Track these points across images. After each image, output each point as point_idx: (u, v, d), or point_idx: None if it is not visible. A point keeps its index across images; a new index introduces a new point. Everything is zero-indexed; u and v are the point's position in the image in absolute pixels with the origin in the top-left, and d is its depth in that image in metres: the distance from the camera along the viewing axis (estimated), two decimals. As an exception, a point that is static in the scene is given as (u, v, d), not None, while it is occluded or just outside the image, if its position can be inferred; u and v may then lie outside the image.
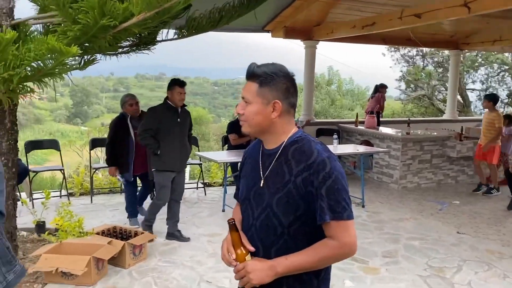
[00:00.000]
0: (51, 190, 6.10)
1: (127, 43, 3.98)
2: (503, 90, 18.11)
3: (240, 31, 8.06)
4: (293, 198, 1.52)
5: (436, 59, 17.68)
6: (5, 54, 2.75)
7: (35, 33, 3.48)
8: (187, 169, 7.92)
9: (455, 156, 7.53)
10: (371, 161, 7.94)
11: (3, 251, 2.03)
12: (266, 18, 7.48)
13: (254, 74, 1.57)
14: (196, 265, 4.19)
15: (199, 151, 7.06)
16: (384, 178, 7.66)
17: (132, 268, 4.05)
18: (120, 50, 3.97)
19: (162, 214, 4.88)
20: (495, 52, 15.25)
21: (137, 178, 5.44)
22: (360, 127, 8.28)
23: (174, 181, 4.71)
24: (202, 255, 4.43)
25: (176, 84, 4.55)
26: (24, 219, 5.00)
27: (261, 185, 1.61)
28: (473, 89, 18.45)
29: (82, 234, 4.33)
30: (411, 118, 10.98)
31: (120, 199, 6.21)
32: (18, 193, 5.17)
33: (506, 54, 16.13)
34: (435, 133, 7.89)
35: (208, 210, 5.99)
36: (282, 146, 1.59)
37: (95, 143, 6.77)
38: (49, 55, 2.83)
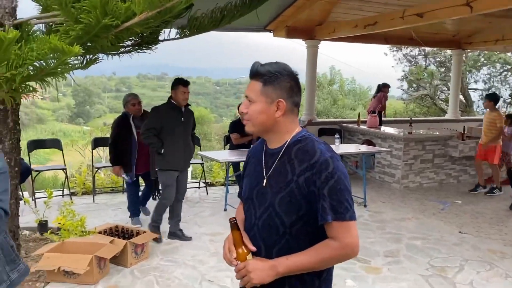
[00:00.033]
0: (53, 189, 6.13)
1: (129, 42, 3.99)
2: (506, 89, 18.08)
3: (242, 31, 8.07)
4: (295, 197, 1.51)
5: (438, 59, 17.66)
6: (7, 53, 2.76)
7: (38, 32, 3.49)
8: (189, 168, 7.93)
9: (457, 156, 7.51)
10: (373, 160, 7.94)
11: (7, 250, 2.05)
12: (268, 17, 7.48)
13: (258, 73, 1.57)
14: (198, 264, 4.19)
15: (201, 150, 7.07)
16: (386, 177, 7.66)
17: (134, 267, 4.06)
18: (122, 49, 3.99)
19: (165, 213, 4.88)
20: (498, 52, 15.21)
21: (139, 177, 5.45)
22: (362, 126, 8.27)
23: (177, 180, 4.72)
24: (204, 254, 4.43)
25: (180, 83, 4.55)
26: (27, 218, 5.01)
27: (264, 184, 1.60)
28: (476, 89, 18.42)
29: (84, 233, 4.34)
30: (413, 118, 10.97)
31: (122, 199, 6.22)
32: (20, 192, 5.19)
33: (509, 54, 16.08)
34: (437, 133, 7.88)
35: (210, 210, 6.00)
36: (285, 145, 1.59)
37: (97, 143, 6.78)
38: (51, 55, 2.83)
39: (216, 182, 7.52)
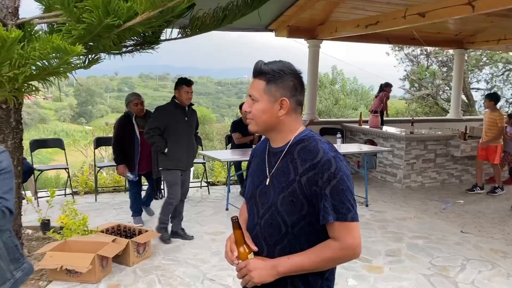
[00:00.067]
0: (55, 188, 6.14)
1: (131, 42, 4.00)
2: (508, 89, 18.03)
3: (243, 31, 8.07)
4: (297, 197, 1.50)
5: (440, 58, 17.62)
6: (10, 53, 2.77)
7: (40, 32, 3.51)
8: (191, 168, 7.94)
9: (459, 156, 7.51)
10: (374, 160, 7.93)
11: (11, 249, 2.06)
12: (270, 17, 7.49)
13: (261, 71, 1.56)
14: (199, 263, 4.20)
15: (202, 150, 7.09)
16: (388, 177, 7.65)
17: (136, 266, 4.07)
18: (124, 49, 4.00)
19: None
20: (500, 51, 15.17)
21: (141, 177, 5.46)
22: (364, 126, 8.27)
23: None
24: (206, 253, 4.44)
25: (184, 83, 4.58)
26: (29, 217, 5.03)
27: (267, 183, 1.60)
28: (478, 89, 18.37)
29: (86, 232, 4.36)
30: (415, 118, 10.95)
31: (124, 198, 6.23)
32: (23, 192, 5.21)
33: (511, 53, 16.04)
34: (439, 132, 7.87)
35: (211, 209, 6.01)
36: (289, 144, 1.58)
37: (99, 142, 6.80)
38: (54, 54, 2.85)
39: (218, 182, 7.53)
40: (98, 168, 6.57)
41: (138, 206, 5.39)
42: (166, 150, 4.54)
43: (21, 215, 4.10)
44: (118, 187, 6.94)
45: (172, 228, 4.84)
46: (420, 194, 6.98)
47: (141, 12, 3.05)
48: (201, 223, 5.37)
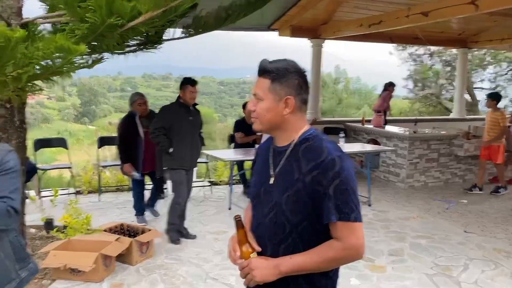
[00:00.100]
0: (59, 188, 6.16)
1: (135, 42, 4.01)
2: (512, 88, 17.95)
3: (246, 30, 8.08)
4: (301, 196, 1.49)
5: (444, 58, 17.56)
6: (14, 52, 2.78)
7: (44, 32, 3.52)
8: (195, 167, 7.95)
9: (462, 155, 7.49)
10: (377, 160, 7.92)
11: (18, 248, 2.06)
12: (272, 16, 7.49)
13: (266, 70, 1.55)
14: (202, 262, 4.21)
15: (204, 149, 7.09)
16: (391, 177, 7.64)
17: (140, 265, 4.08)
18: (127, 49, 4.00)
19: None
20: (504, 51, 15.11)
21: (144, 176, 5.47)
22: (367, 125, 8.26)
23: None
24: (208, 252, 4.45)
25: (188, 83, 4.60)
26: (33, 216, 5.05)
27: (271, 182, 1.59)
28: (482, 88, 18.30)
29: (90, 231, 4.37)
30: (418, 117, 10.92)
31: (127, 197, 6.25)
32: (26, 191, 5.23)
33: (515, 53, 15.97)
34: (442, 132, 7.85)
35: (214, 208, 6.01)
36: (293, 143, 1.57)
37: (103, 141, 6.82)
38: (57, 54, 2.85)
39: (220, 181, 7.53)
40: (102, 168, 6.59)
41: (142, 205, 5.40)
42: (171, 150, 4.55)
43: (25, 214, 4.12)
44: (121, 186, 6.96)
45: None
46: (423, 194, 6.97)
47: (144, 12, 3.05)
48: (204, 223, 5.38)
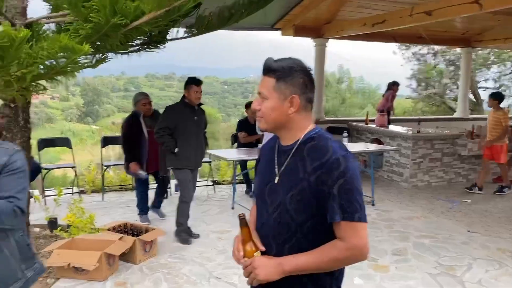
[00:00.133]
0: (63, 187, 6.19)
1: (138, 42, 4.02)
2: (516, 88, 17.87)
3: (249, 30, 8.08)
4: (306, 196, 1.49)
5: (447, 57, 17.51)
6: (18, 52, 2.80)
7: (48, 32, 3.53)
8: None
9: (466, 155, 7.47)
10: (381, 159, 7.91)
11: (24, 248, 2.07)
12: (276, 16, 7.49)
13: (271, 68, 1.54)
14: (205, 261, 4.22)
15: (208, 149, 7.10)
16: (395, 176, 7.63)
17: (143, 264, 4.09)
18: (131, 49, 4.02)
19: (172, 211, 4.92)
20: (508, 50, 15.05)
21: (149, 176, 5.47)
22: (371, 125, 8.25)
23: None
24: (212, 251, 4.46)
25: (193, 83, 4.61)
26: (37, 215, 5.07)
27: (276, 181, 1.58)
28: (485, 87, 18.23)
29: (93, 230, 4.38)
30: (421, 117, 10.90)
31: (130, 196, 6.27)
32: (30, 190, 5.24)
33: (519, 52, 15.91)
34: (446, 131, 7.83)
35: (217, 208, 6.02)
36: (298, 142, 1.56)
37: (106, 141, 6.84)
38: (61, 54, 2.86)
39: (223, 181, 7.54)
40: (105, 167, 6.61)
41: (145, 204, 5.41)
42: (176, 150, 4.56)
43: (29, 213, 4.13)
44: (125, 185, 6.98)
45: (178, 227, 4.85)
46: (427, 193, 6.96)
47: (147, 12, 3.06)
48: (207, 222, 5.39)
